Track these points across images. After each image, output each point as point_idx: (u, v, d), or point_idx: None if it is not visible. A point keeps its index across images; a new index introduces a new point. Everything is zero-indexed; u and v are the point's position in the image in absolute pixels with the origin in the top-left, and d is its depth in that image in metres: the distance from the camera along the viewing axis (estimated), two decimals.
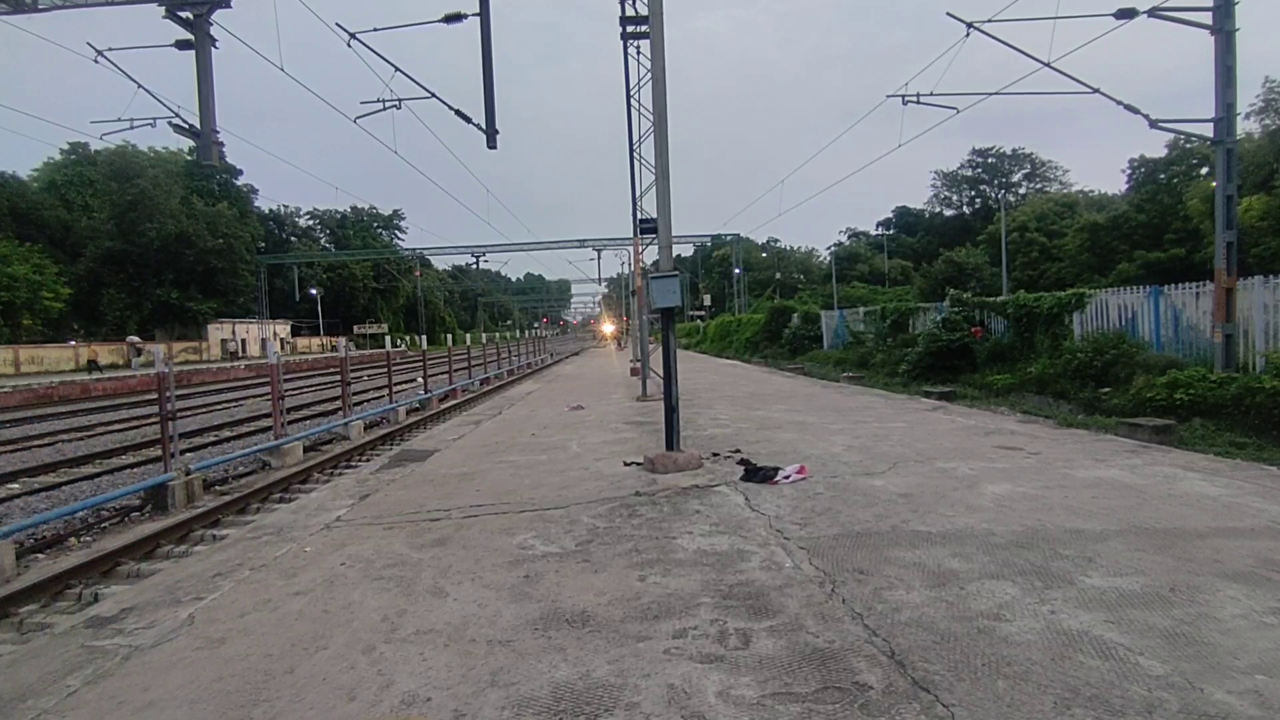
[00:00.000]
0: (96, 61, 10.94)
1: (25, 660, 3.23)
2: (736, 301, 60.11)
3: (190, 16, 10.66)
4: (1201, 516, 4.47)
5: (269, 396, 12.13)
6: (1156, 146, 52.09)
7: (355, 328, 72.10)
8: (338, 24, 11.38)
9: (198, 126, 10.99)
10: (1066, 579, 3.49)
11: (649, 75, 7.98)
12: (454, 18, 11.51)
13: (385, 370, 17.89)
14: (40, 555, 7.37)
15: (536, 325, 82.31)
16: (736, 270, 61.89)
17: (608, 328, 60.79)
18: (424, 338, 22.25)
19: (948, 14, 12.51)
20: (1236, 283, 10.06)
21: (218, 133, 11.17)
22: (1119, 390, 10.59)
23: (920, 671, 2.64)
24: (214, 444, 13.66)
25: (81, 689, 2.86)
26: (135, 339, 38.46)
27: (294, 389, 25.68)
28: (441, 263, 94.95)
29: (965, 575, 3.60)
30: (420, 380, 20.58)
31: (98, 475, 10.87)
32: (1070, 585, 3.41)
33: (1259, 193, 32.91)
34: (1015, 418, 9.55)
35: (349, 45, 11.51)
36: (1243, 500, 4.83)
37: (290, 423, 14.65)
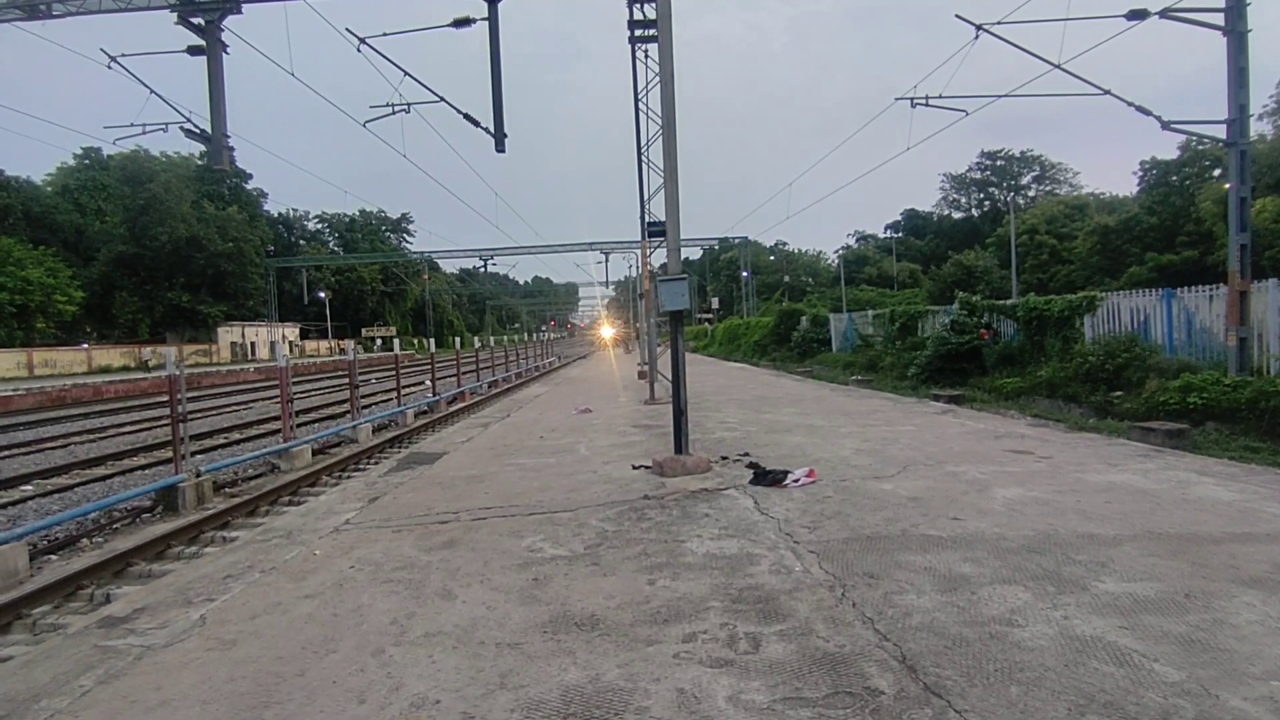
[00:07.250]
0: (110, 67, 11.09)
1: (39, 661, 3.25)
2: (744, 304, 60.02)
3: (202, 23, 10.78)
4: (1216, 522, 4.42)
5: (278, 399, 12.21)
6: (1168, 148, 51.77)
7: (363, 330, 72.58)
8: (348, 29, 11.46)
9: (209, 131, 11.11)
10: (1079, 584, 3.46)
11: (657, 79, 7.99)
12: (463, 22, 11.57)
13: (393, 373, 17.96)
14: (53, 556, 7.43)
15: (544, 328, 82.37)
16: (744, 273, 61.84)
17: (606, 332, 58.83)
18: (432, 341, 22.28)
19: (956, 16, 12.47)
20: (1250, 285, 9.97)
21: (228, 137, 11.30)
22: (1131, 394, 10.49)
23: (932, 676, 2.62)
24: (224, 446, 13.74)
25: (94, 689, 2.88)
26: None
27: (303, 392, 25.84)
28: (449, 266, 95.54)
29: (976, 580, 3.57)
30: (428, 383, 20.66)
31: (109, 476, 10.96)
32: (1083, 590, 3.38)
33: (1272, 194, 32.66)
34: (1025, 421, 9.49)
35: (359, 50, 11.59)
36: (1258, 505, 4.77)
37: (299, 425, 14.74)
